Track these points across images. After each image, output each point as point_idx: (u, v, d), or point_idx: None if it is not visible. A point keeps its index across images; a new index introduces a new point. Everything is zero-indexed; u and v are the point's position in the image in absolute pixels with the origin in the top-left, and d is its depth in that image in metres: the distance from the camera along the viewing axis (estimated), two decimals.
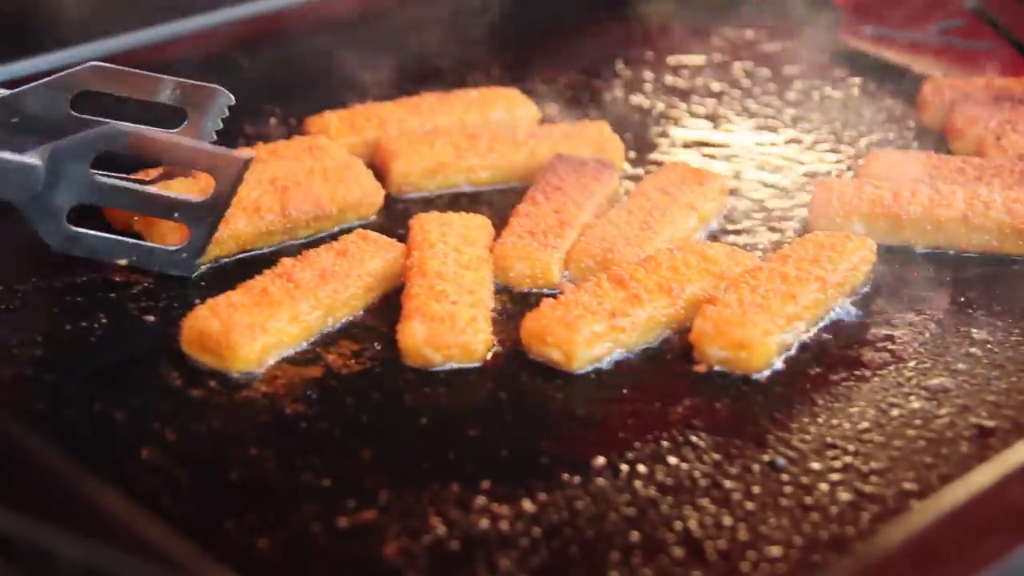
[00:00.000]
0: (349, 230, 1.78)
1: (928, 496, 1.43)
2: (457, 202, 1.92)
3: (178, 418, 1.53)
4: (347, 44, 2.29)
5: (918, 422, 1.54)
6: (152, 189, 1.71)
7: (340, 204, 1.83)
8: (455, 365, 1.60)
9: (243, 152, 1.66)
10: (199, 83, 1.76)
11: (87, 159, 1.64)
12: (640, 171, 2.01)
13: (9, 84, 1.77)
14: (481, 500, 1.42)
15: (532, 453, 1.50)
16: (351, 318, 1.68)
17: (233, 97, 1.77)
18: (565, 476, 1.46)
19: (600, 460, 1.48)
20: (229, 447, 1.50)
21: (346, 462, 1.48)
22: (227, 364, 1.57)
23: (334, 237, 1.76)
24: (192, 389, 1.57)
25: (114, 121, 1.69)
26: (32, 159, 1.63)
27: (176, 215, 1.70)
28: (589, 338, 1.58)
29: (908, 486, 1.45)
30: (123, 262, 1.72)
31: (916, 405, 1.56)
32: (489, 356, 1.62)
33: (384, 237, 1.74)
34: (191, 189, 1.75)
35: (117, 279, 1.73)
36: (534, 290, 1.73)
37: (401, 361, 1.61)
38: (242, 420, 1.53)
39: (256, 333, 1.57)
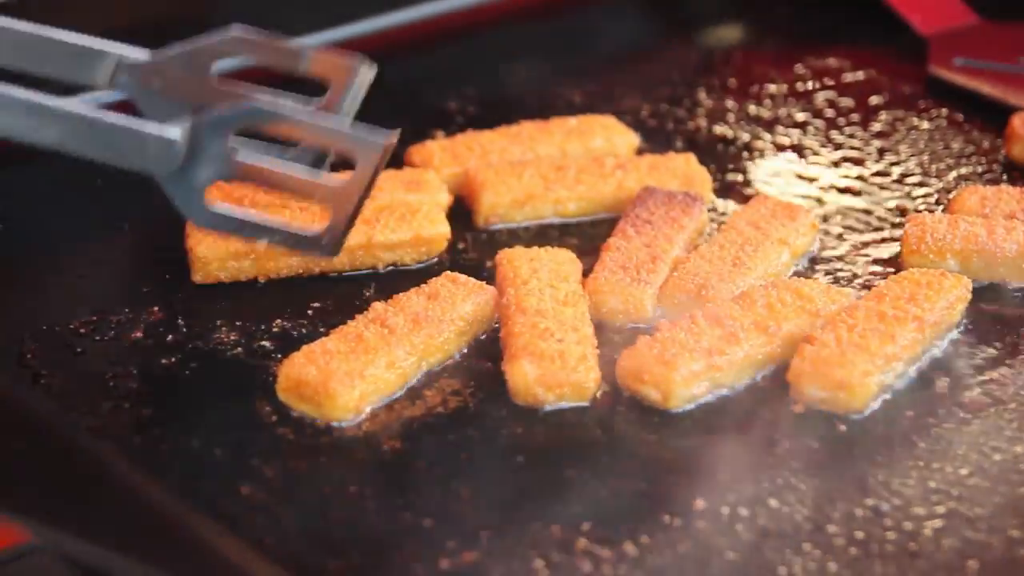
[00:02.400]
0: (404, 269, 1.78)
1: None
2: (545, 234, 1.92)
3: (275, 454, 1.53)
4: (427, 71, 2.29)
5: (1022, 467, 1.52)
6: (293, 169, 1.63)
7: (387, 243, 1.82)
8: (563, 404, 1.58)
9: (384, 134, 1.60)
10: (340, 56, 1.73)
11: (227, 135, 1.59)
12: (725, 203, 1.99)
13: None
14: (583, 542, 1.42)
15: (631, 494, 1.49)
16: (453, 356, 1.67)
17: (375, 70, 1.75)
18: (666, 519, 1.45)
19: (700, 503, 1.47)
20: (328, 485, 1.50)
21: (445, 501, 1.47)
22: (325, 412, 1.57)
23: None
24: (288, 425, 1.56)
25: (254, 95, 1.67)
26: (172, 132, 1.57)
27: (317, 197, 1.64)
28: (687, 377, 1.58)
29: (1014, 533, 1.43)
30: (265, 242, 1.69)
31: (1019, 449, 1.55)
32: (598, 395, 1.60)
33: (473, 280, 1.73)
34: None
35: (205, 311, 1.73)
36: (628, 326, 1.72)
37: (496, 398, 1.60)
38: (340, 457, 1.53)
39: (355, 380, 1.57)
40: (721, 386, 1.61)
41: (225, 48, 1.71)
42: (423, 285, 1.71)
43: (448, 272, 1.75)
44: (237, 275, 1.77)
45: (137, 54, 1.70)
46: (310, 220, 1.76)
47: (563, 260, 1.76)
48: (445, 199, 1.93)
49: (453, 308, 1.67)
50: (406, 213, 1.84)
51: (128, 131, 1.56)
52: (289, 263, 1.79)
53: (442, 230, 1.84)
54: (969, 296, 1.73)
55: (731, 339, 1.62)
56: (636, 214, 1.85)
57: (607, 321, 1.72)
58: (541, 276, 1.71)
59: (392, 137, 1.60)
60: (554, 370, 1.58)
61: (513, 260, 1.75)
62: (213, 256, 1.76)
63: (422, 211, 1.85)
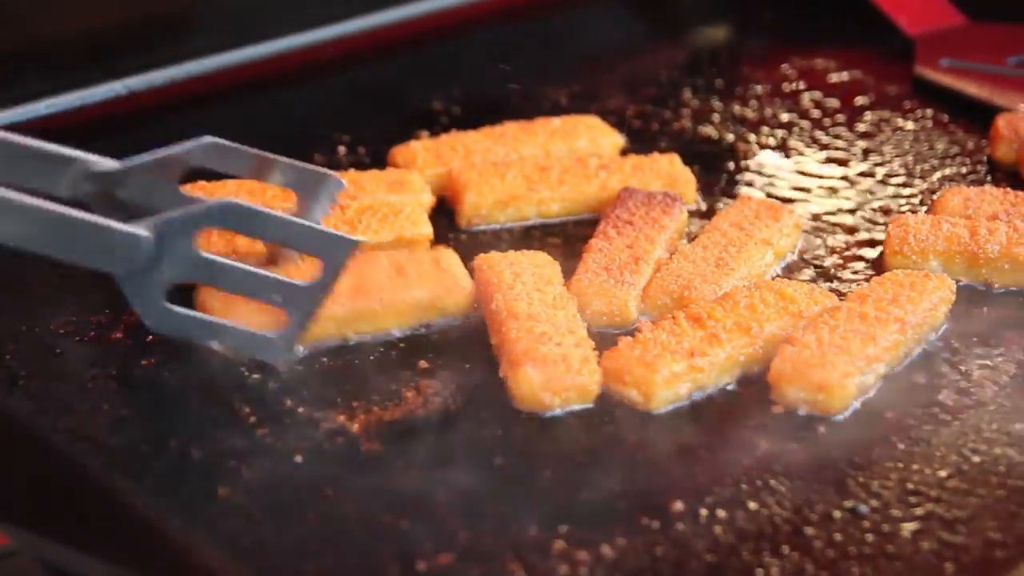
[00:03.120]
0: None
1: (1013, 547, 1.41)
2: (528, 234, 1.91)
3: (253, 456, 1.52)
4: (411, 71, 2.29)
5: (1002, 469, 1.52)
6: (259, 269, 1.63)
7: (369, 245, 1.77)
8: (569, 408, 1.59)
9: (352, 235, 1.62)
10: (312, 167, 1.73)
11: (195, 234, 1.57)
12: (709, 205, 1.98)
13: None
14: (560, 545, 1.42)
15: (609, 496, 1.48)
16: (434, 359, 1.66)
17: (345, 183, 1.75)
18: (644, 521, 1.45)
19: (679, 505, 1.47)
20: (305, 486, 1.49)
21: (422, 503, 1.47)
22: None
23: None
24: (266, 426, 1.56)
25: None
26: (141, 230, 1.55)
27: (279, 298, 1.61)
28: (668, 378, 1.57)
29: (993, 535, 1.43)
30: (217, 346, 1.64)
31: (998, 451, 1.55)
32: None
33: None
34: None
35: None
36: (609, 329, 1.71)
37: (475, 400, 1.60)
38: (318, 459, 1.52)
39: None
40: (703, 387, 1.60)
41: (195, 156, 1.69)
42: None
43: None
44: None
45: (104, 163, 1.66)
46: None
47: (542, 263, 1.76)
48: (428, 199, 1.92)
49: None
50: (388, 214, 1.84)
51: (95, 227, 1.53)
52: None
53: (425, 231, 1.84)
54: (953, 298, 1.73)
55: (713, 340, 1.62)
56: (617, 215, 1.85)
57: (590, 323, 1.71)
58: (525, 280, 1.71)
59: (361, 238, 1.64)
60: (559, 374, 1.57)
61: (493, 265, 1.74)
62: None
63: (404, 212, 1.85)
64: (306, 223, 1.62)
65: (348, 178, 1.88)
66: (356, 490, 1.48)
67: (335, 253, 1.60)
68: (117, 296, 1.72)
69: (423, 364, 1.65)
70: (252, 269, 1.61)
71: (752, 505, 1.47)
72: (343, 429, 1.55)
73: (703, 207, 1.99)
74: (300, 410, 1.58)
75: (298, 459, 1.52)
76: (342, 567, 1.39)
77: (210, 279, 1.61)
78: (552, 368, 1.58)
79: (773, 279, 1.78)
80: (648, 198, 1.88)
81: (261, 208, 1.60)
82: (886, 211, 1.98)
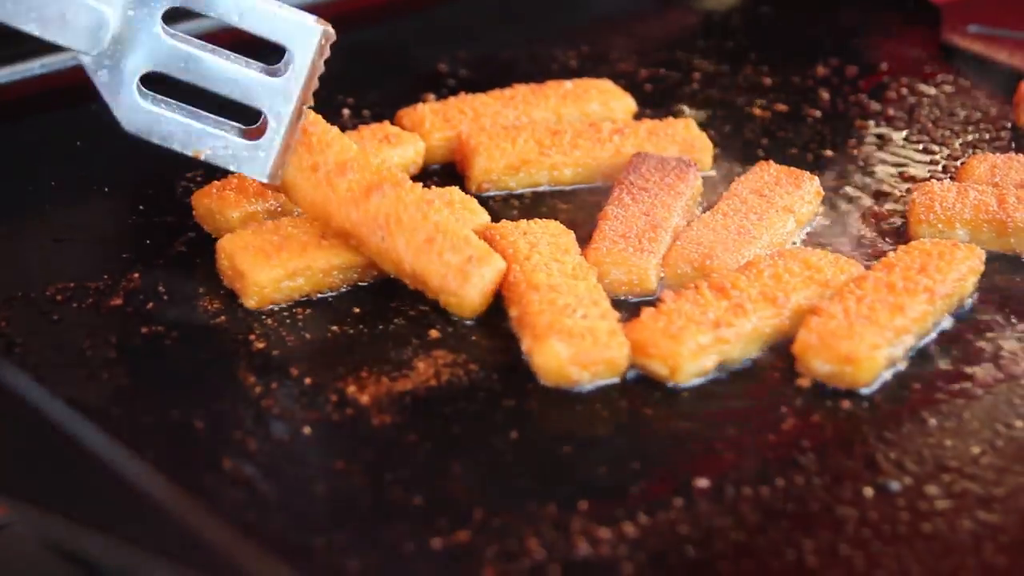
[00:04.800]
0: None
1: None
2: (540, 200, 1.85)
3: (259, 427, 1.47)
4: (417, 32, 2.23)
5: None
6: (230, 60, 1.53)
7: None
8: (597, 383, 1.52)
9: (319, 21, 1.52)
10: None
11: (157, 11, 1.50)
12: (724, 171, 1.92)
13: None
14: (580, 521, 1.36)
15: (630, 472, 1.43)
16: (445, 327, 1.60)
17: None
18: (667, 498, 1.39)
19: (703, 482, 1.41)
20: (313, 459, 1.43)
21: (437, 478, 1.41)
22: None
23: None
24: (271, 396, 1.50)
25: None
26: (102, 4, 1.47)
27: (253, 94, 1.53)
28: (695, 350, 1.51)
29: None
30: (198, 154, 1.56)
31: None
32: None
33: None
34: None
35: (188, 278, 1.66)
36: (628, 297, 1.65)
37: (489, 371, 1.54)
38: (326, 430, 1.46)
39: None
40: (729, 360, 1.54)
41: None
42: None
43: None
44: (291, 295, 1.64)
45: None
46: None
47: (556, 232, 1.70)
48: (421, 147, 1.88)
49: None
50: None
51: None
52: (345, 277, 1.66)
53: (482, 219, 1.74)
54: (982, 267, 1.67)
55: (738, 311, 1.56)
56: (631, 181, 1.78)
57: (608, 293, 1.64)
58: (541, 250, 1.64)
59: (329, 27, 1.54)
60: (586, 347, 1.51)
61: (506, 235, 1.68)
62: (268, 280, 1.61)
63: (458, 200, 1.75)
64: (266, 5, 1.52)
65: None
66: (366, 463, 1.42)
67: (302, 40, 1.52)
68: (115, 261, 1.67)
69: (433, 334, 1.60)
70: (224, 58, 1.53)
71: (779, 482, 1.41)
72: (353, 400, 1.49)
73: (715, 173, 1.92)
74: (307, 380, 1.52)
75: (306, 431, 1.46)
76: (352, 544, 1.33)
77: (182, 70, 1.52)
78: (579, 341, 1.51)
79: (795, 247, 1.72)
80: (662, 163, 1.82)
81: None
82: (908, 178, 1.92)
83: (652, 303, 1.59)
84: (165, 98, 1.57)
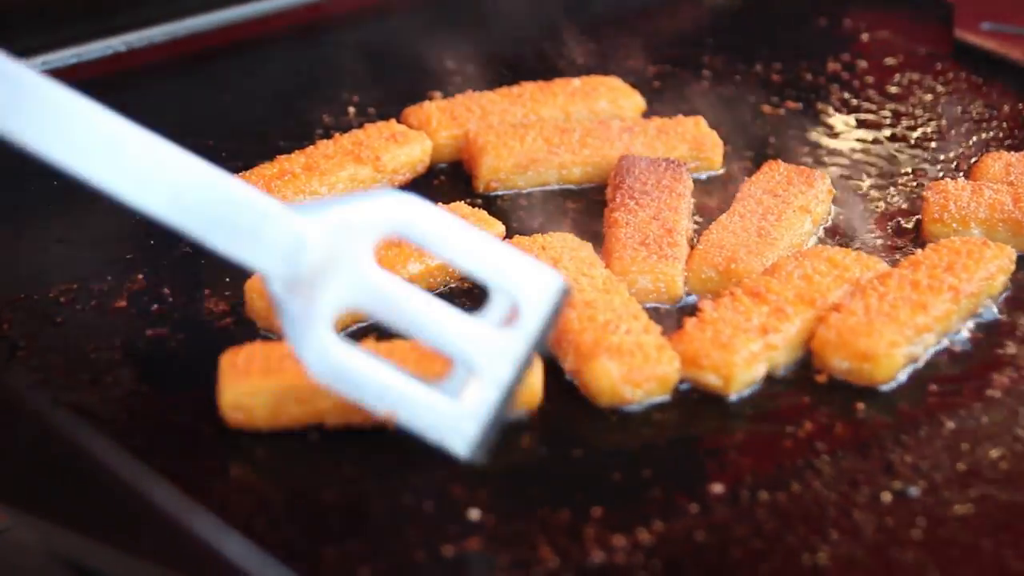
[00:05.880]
0: None
1: None
2: (549, 200, 1.82)
3: (266, 432, 1.43)
4: (423, 28, 2.20)
5: None
6: (438, 301, 1.30)
7: None
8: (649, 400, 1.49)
9: (557, 275, 1.29)
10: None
11: (373, 240, 1.26)
12: (733, 170, 1.89)
13: None
14: (594, 529, 1.33)
15: (644, 478, 1.40)
16: None
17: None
18: (682, 504, 1.37)
19: (718, 487, 1.39)
20: (322, 465, 1.41)
21: (448, 484, 1.38)
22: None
23: None
24: None
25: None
26: (308, 223, 1.24)
27: (464, 354, 1.28)
28: (748, 358, 1.49)
29: None
30: (390, 416, 1.32)
31: None
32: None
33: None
34: None
35: (193, 280, 1.64)
36: (659, 306, 1.62)
37: None
38: (335, 436, 1.43)
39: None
40: (776, 366, 1.51)
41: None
42: None
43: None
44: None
45: None
46: None
47: (575, 245, 1.65)
48: (428, 146, 1.86)
49: None
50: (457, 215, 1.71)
51: (250, 202, 1.24)
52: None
53: (497, 230, 1.72)
54: (1012, 267, 1.65)
55: (781, 315, 1.53)
56: (629, 185, 1.75)
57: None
58: (566, 264, 1.60)
59: (569, 283, 1.30)
60: (637, 364, 1.47)
61: (527, 250, 1.62)
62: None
63: (474, 212, 1.73)
64: (500, 246, 1.30)
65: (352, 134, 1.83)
66: (377, 469, 1.39)
67: (534, 295, 1.26)
68: (119, 262, 1.65)
69: None
70: (442, 304, 1.29)
71: (796, 487, 1.39)
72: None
73: (724, 171, 1.89)
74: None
75: (314, 436, 1.43)
76: (363, 551, 1.31)
77: (386, 311, 1.28)
78: (630, 359, 1.47)
79: (817, 247, 1.69)
80: (653, 165, 1.79)
81: (449, 216, 1.29)
82: (921, 176, 1.90)
83: (679, 311, 1.59)
84: (354, 342, 1.36)
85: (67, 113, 1.24)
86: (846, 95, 2.10)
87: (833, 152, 1.96)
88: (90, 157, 1.24)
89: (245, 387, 1.40)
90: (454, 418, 1.28)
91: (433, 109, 1.91)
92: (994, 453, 1.44)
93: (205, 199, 1.24)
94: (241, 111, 1.79)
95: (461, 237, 1.27)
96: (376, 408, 1.30)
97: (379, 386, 1.28)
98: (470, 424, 1.28)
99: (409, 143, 1.84)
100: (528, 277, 1.26)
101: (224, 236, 1.25)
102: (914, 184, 1.88)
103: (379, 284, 1.26)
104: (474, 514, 1.35)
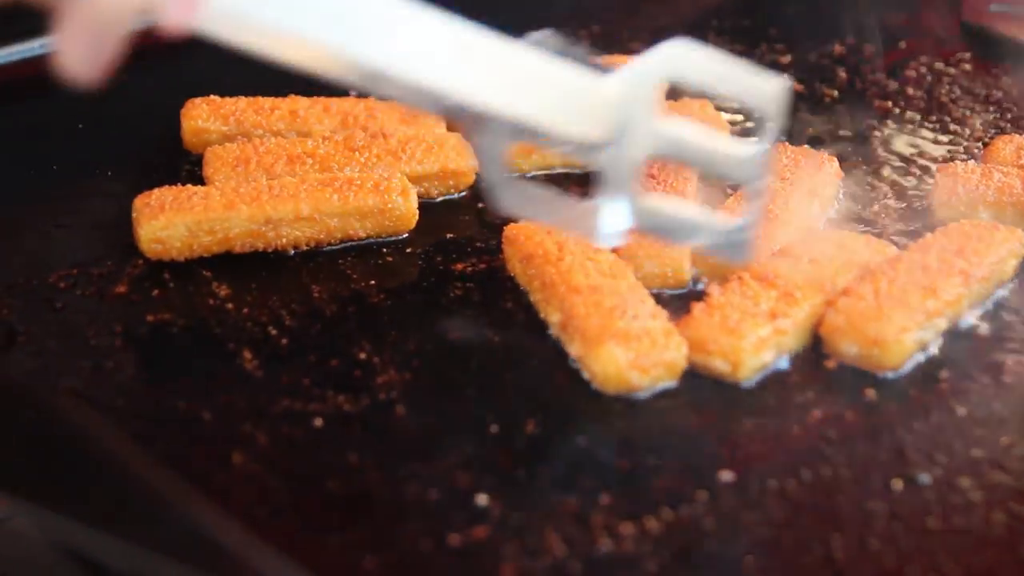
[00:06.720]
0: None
1: None
2: (552, 183, 1.80)
3: (270, 419, 1.42)
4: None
5: None
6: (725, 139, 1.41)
7: (414, 174, 1.73)
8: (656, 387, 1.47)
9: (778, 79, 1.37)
10: None
11: (657, 88, 1.32)
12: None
13: None
14: (602, 517, 1.31)
15: (652, 465, 1.38)
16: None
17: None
18: (690, 492, 1.35)
19: (727, 475, 1.37)
20: (326, 453, 1.39)
21: (454, 472, 1.37)
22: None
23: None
24: (282, 387, 1.45)
25: None
26: (608, 84, 1.30)
27: (730, 173, 1.40)
28: (756, 343, 1.46)
29: None
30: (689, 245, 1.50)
31: None
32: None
33: None
34: None
35: (195, 264, 1.62)
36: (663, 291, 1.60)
37: (504, 361, 1.50)
38: (338, 423, 1.42)
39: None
40: (784, 351, 1.49)
41: None
42: None
43: None
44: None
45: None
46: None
47: None
48: (441, 132, 1.83)
49: None
50: (433, 145, 1.76)
51: (571, 80, 1.29)
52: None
53: (470, 163, 1.74)
54: (1023, 251, 1.62)
55: (790, 300, 1.51)
56: None
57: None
58: (572, 249, 1.58)
59: (786, 80, 1.39)
60: (644, 350, 1.44)
61: (532, 236, 1.61)
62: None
63: (449, 143, 1.76)
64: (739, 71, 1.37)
65: (364, 105, 1.81)
66: (381, 457, 1.38)
67: (770, 104, 1.37)
68: (119, 247, 1.63)
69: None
70: (719, 137, 1.41)
71: (806, 474, 1.37)
72: (367, 391, 1.45)
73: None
74: (319, 368, 1.47)
75: (318, 423, 1.41)
76: (367, 541, 1.29)
77: (673, 154, 1.36)
78: (637, 344, 1.45)
79: (825, 230, 1.67)
80: None
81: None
82: (929, 159, 1.88)
83: (683, 296, 1.56)
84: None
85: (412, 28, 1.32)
86: (853, 77, 2.07)
87: (839, 135, 1.93)
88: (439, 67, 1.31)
89: (161, 222, 1.59)
90: (733, 232, 1.41)
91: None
92: (1006, 439, 1.42)
93: (538, 89, 1.30)
94: None
95: (726, 72, 1.35)
96: (684, 242, 1.49)
97: (685, 222, 1.40)
98: (746, 235, 1.41)
99: (418, 123, 1.82)
100: (764, 92, 1.37)
101: (554, 117, 1.30)
102: (923, 167, 1.86)
103: (670, 129, 1.35)
104: (480, 503, 1.32)
